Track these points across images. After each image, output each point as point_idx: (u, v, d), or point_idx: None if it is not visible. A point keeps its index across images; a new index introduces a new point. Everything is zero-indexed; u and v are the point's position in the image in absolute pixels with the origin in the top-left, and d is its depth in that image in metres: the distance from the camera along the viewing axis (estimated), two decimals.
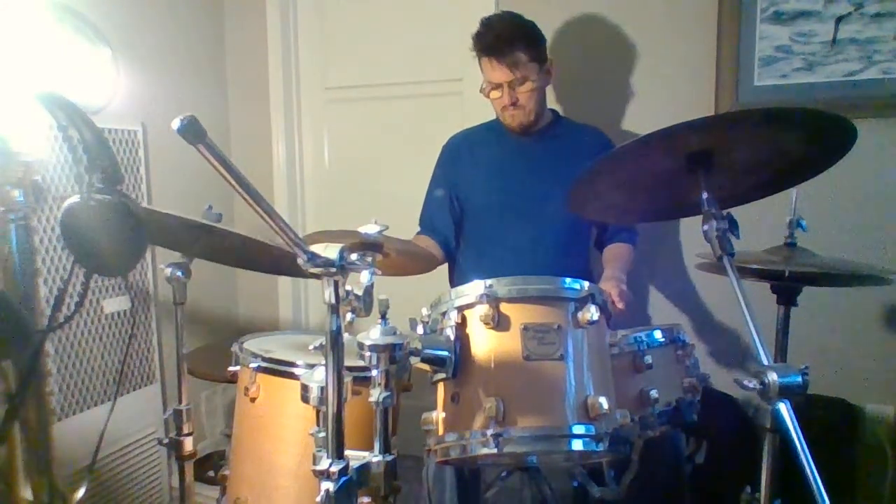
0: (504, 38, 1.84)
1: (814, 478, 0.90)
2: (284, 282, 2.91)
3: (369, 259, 0.97)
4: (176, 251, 1.53)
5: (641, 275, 2.31)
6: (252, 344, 1.52)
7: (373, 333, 1.03)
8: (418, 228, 2.13)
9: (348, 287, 0.96)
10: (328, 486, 0.94)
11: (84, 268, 1.03)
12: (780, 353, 1.49)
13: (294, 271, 0.94)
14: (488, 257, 2.00)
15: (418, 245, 1.97)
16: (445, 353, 1.13)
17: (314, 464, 0.98)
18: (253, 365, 1.41)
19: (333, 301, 0.94)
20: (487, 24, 1.90)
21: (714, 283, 2.25)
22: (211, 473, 2.51)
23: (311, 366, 1.15)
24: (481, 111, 2.11)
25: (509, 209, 1.98)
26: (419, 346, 1.11)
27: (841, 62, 2.08)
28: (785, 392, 0.95)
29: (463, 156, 2.08)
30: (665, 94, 2.29)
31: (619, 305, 1.62)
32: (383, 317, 1.05)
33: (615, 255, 1.98)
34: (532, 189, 1.96)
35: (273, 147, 2.86)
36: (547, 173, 1.95)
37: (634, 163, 1.23)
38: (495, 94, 1.91)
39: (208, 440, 2.77)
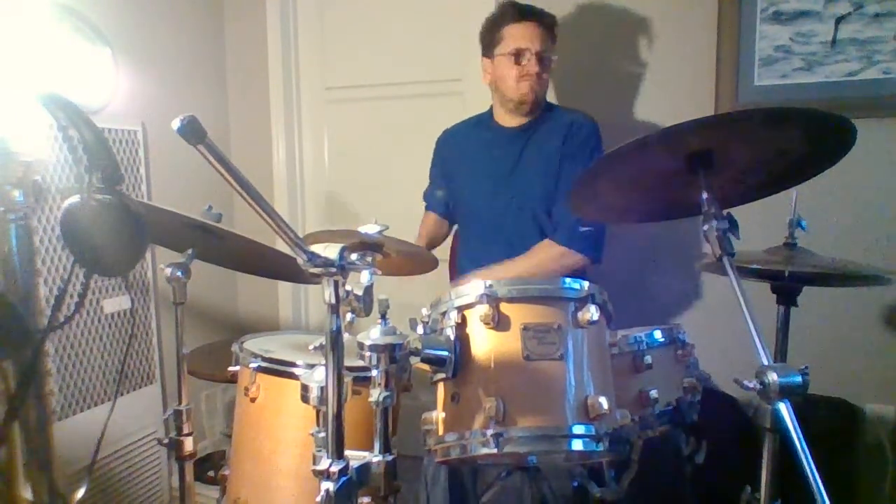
0: (538, 9, 1.89)
1: (814, 478, 0.89)
2: (284, 282, 2.91)
3: (369, 259, 0.97)
4: (176, 251, 1.53)
5: (642, 275, 2.31)
6: (252, 344, 1.52)
7: (373, 333, 1.04)
8: (418, 229, 2.14)
9: (348, 287, 0.96)
10: (328, 486, 0.94)
11: (84, 268, 1.03)
12: (780, 353, 1.48)
13: (293, 276, 0.94)
14: (485, 249, 1.98)
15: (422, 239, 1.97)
16: (445, 353, 1.13)
17: (314, 464, 0.98)
18: (253, 365, 1.41)
19: (333, 301, 0.94)
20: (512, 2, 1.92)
21: (714, 283, 2.26)
22: (211, 473, 2.51)
23: (311, 366, 1.15)
24: (481, 111, 2.11)
25: (503, 199, 1.96)
26: (419, 346, 1.11)
27: (841, 62, 2.07)
28: (785, 392, 0.95)
29: (455, 150, 2.09)
30: (665, 94, 2.29)
31: None
32: (383, 317, 1.05)
33: (519, 258, 1.85)
34: (523, 178, 1.95)
35: (273, 147, 2.86)
36: (535, 162, 1.94)
37: (634, 163, 1.23)
38: (522, 59, 1.85)
39: (208, 440, 2.77)
